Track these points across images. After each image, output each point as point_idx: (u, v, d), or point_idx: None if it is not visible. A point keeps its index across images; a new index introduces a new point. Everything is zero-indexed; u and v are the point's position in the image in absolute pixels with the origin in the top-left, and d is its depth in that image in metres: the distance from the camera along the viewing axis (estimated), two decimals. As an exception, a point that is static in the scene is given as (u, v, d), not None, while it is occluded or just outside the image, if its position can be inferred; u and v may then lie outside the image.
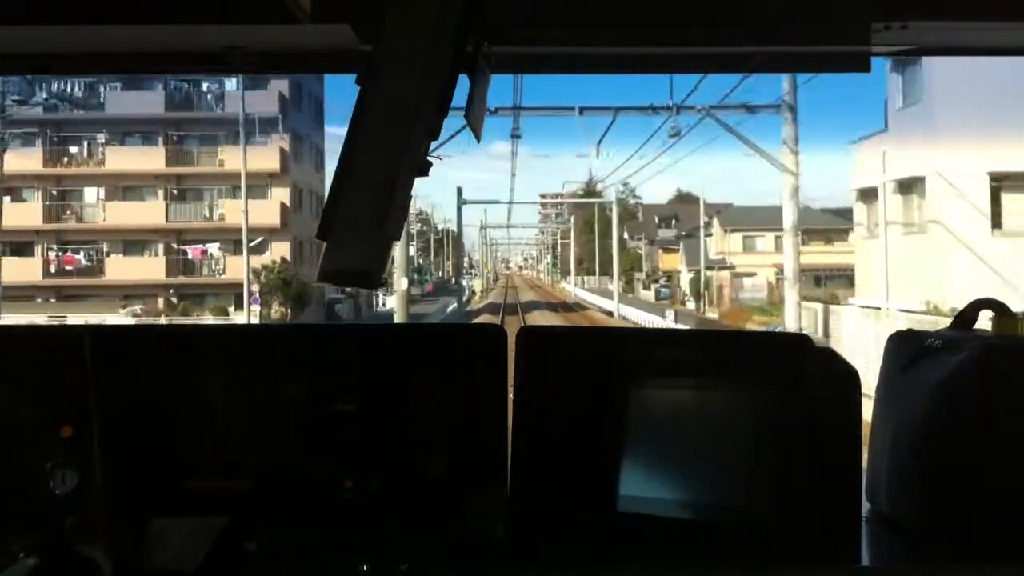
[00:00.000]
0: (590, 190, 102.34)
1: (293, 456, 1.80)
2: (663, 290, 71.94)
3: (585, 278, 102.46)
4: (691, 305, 58.66)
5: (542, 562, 1.64)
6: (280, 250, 47.78)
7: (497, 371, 1.80)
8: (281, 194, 49.11)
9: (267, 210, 46.82)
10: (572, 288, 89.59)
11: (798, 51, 1.85)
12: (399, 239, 1.45)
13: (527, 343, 1.80)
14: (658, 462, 1.73)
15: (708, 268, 59.12)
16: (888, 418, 1.75)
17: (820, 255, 57.43)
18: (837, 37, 1.76)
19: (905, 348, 1.76)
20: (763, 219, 61.16)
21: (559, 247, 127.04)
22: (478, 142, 1.68)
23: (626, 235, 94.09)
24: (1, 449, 1.76)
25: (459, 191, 50.93)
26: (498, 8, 1.60)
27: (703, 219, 60.85)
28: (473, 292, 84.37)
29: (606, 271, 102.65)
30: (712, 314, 51.06)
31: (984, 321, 1.81)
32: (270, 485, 1.77)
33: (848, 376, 1.67)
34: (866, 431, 1.77)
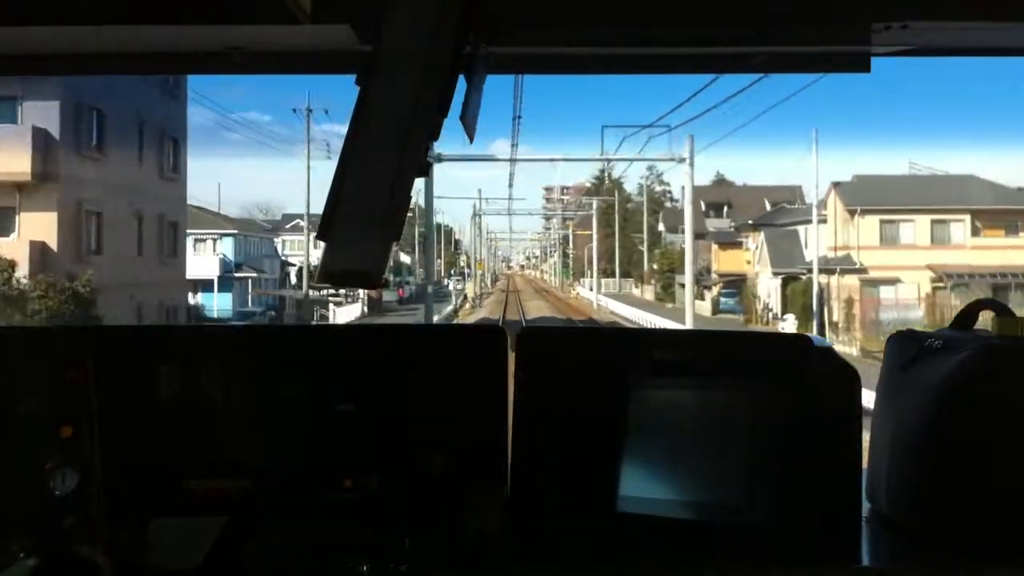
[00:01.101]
0: (605, 178, 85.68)
1: (293, 456, 1.80)
2: (725, 300, 52.55)
3: (603, 280, 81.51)
4: (788, 326, 36.41)
5: (542, 562, 1.64)
6: (35, 228, 24.45)
7: (497, 371, 1.80)
8: (38, 111, 24.47)
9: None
10: (593, 295, 68.52)
11: (798, 51, 1.85)
12: (399, 239, 1.45)
13: (527, 343, 1.80)
14: (658, 462, 1.73)
15: (813, 271, 39.13)
16: (888, 418, 1.75)
17: (999, 251, 38.61)
18: (837, 37, 1.77)
19: (905, 348, 1.76)
20: (912, 194, 41.20)
21: (571, 241, 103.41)
22: (471, 143, 1.68)
23: (661, 227, 76.47)
24: (1, 449, 1.76)
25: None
26: (498, 8, 1.60)
27: (815, 194, 38.66)
28: (465, 298, 66.72)
29: (628, 272, 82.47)
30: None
31: (985, 321, 1.81)
32: (270, 485, 1.77)
33: (848, 376, 1.67)
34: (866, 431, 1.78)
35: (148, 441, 1.78)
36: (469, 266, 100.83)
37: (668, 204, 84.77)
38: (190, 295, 49.75)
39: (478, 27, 1.51)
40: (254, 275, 54.99)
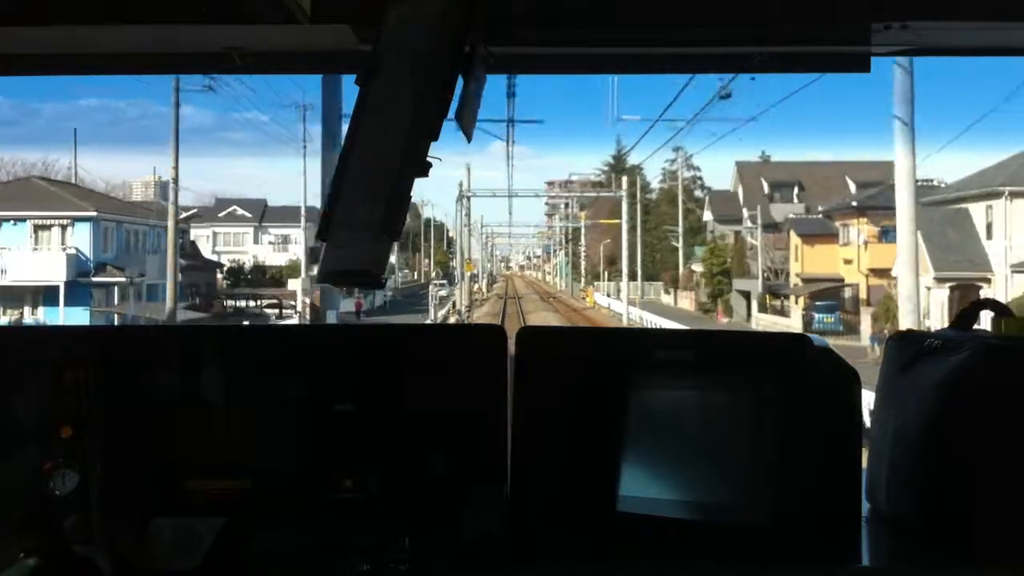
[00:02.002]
0: (620, 165, 74.08)
1: (293, 456, 1.80)
2: (821, 316, 35.67)
3: (620, 284, 59.73)
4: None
5: (542, 562, 1.64)
6: None
7: (497, 371, 1.80)
8: None
9: None
10: (620, 304, 48.01)
11: (798, 51, 1.85)
12: (399, 239, 1.45)
13: (527, 343, 1.80)
14: (658, 462, 1.73)
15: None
16: (888, 418, 1.75)
17: None
18: (837, 37, 1.77)
19: (905, 348, 1.76)
20: None
21: (583, 237, 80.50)
22: (468, 143, 1.68)
23: (707, 215, 60.04)
24: (1, 449, 1.76)
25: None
26: (498, 8, 1.60)
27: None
28: (453, 308, 49.13)
29: (652, 275, 64.77)
30: None
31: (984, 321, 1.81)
32: (270, 485, 1.77)
33: (848, 376, 1.67)
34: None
35: (148, 441, 1.78)
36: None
37: (699, 193, 67.74)
38: (26, 310, 33.93)
39: (478, 27, 1.51)
40: (122, 279, 36.14)
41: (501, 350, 1.82)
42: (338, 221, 1.42)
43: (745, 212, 51.57)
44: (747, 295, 46.94)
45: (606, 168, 79.98)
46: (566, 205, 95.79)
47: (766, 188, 54.70)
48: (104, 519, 1.63)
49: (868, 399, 1.75)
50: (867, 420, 1.82)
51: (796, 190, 53.28)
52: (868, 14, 1.65)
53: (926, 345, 1.71)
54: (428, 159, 1.47)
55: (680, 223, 61.01)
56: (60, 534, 1.57)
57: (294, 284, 43.94)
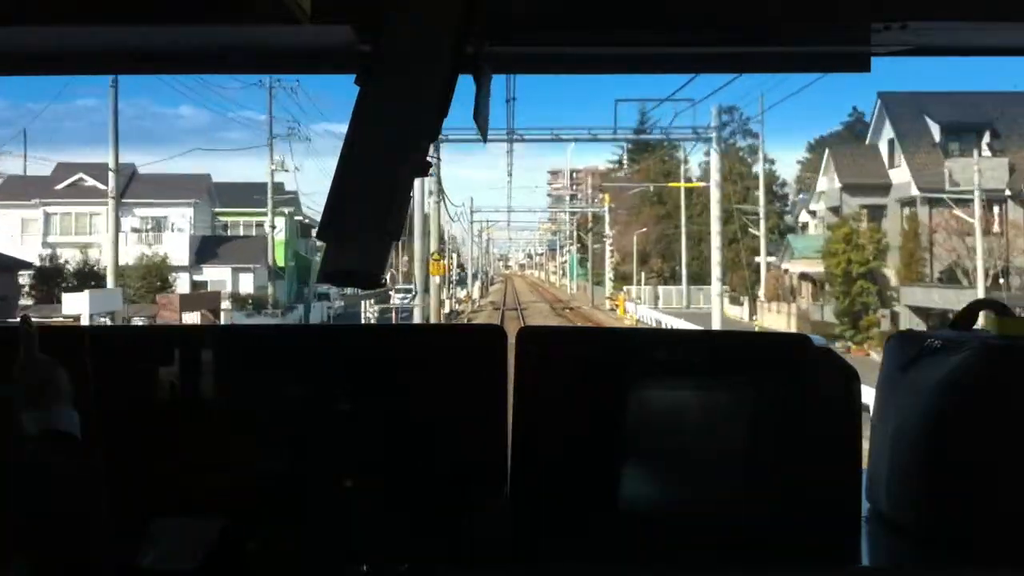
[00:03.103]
0: (643, 142, 49.94)
1: (293, 456, 1.81)
2: None
3: (659, 289, 50.72)
4: None
5: (542, 562, 1.64)
6: None
7: (497, 371, 1.80)
8: None
9: None
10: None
11: (798, 51, 1.85)
12: (399, 239, 1.46)
13: (527, 343, 1.80)
14: (658, 462, 1.73)
15: None
16: (888, 418, 1.75)
17: None
18: (837, 37, 1.76)
19: (905, 348, 1.77)
20: None
21: (607, 226, 59.75)
22: (484, 143, 1.69)
23: (828, 183, 38.26)
24: (1, 449, 1.76)
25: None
26: (498, 8, 1.60)
27: None
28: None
29: (699, 276, 45.97)
30: None
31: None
32: (270, 485, 1.78)
33: (848, 376, 1.68)
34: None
35: (149, 441, 1.78)
36: (463, 268, 66.52)
37: (757, 169, 48.48)
38: None
39: (478, 27, 1.51)
40: None
41: (501, 350, 1.82)
42: (338, 221, 1.42)
43: (897, 176, 31.74)
44: (928, 315, 28.90)
45: (628, 147, 60.84)
46: (573, 197, 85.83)
47: (936, 135, 32.49)
48: (104, 519, 1.63)
49: (868, 399, 1.75)
50: (867, 420, 1.82)
51: (987, 137, 31.57)
52: (868, 14, 1.65)
53: (926, 345, 1.72)
54: (428, 159, 1.47)
55: (762, 203, 41.75)
56: (60, 534, 1.57)
57: (74, 302, 27.18)
